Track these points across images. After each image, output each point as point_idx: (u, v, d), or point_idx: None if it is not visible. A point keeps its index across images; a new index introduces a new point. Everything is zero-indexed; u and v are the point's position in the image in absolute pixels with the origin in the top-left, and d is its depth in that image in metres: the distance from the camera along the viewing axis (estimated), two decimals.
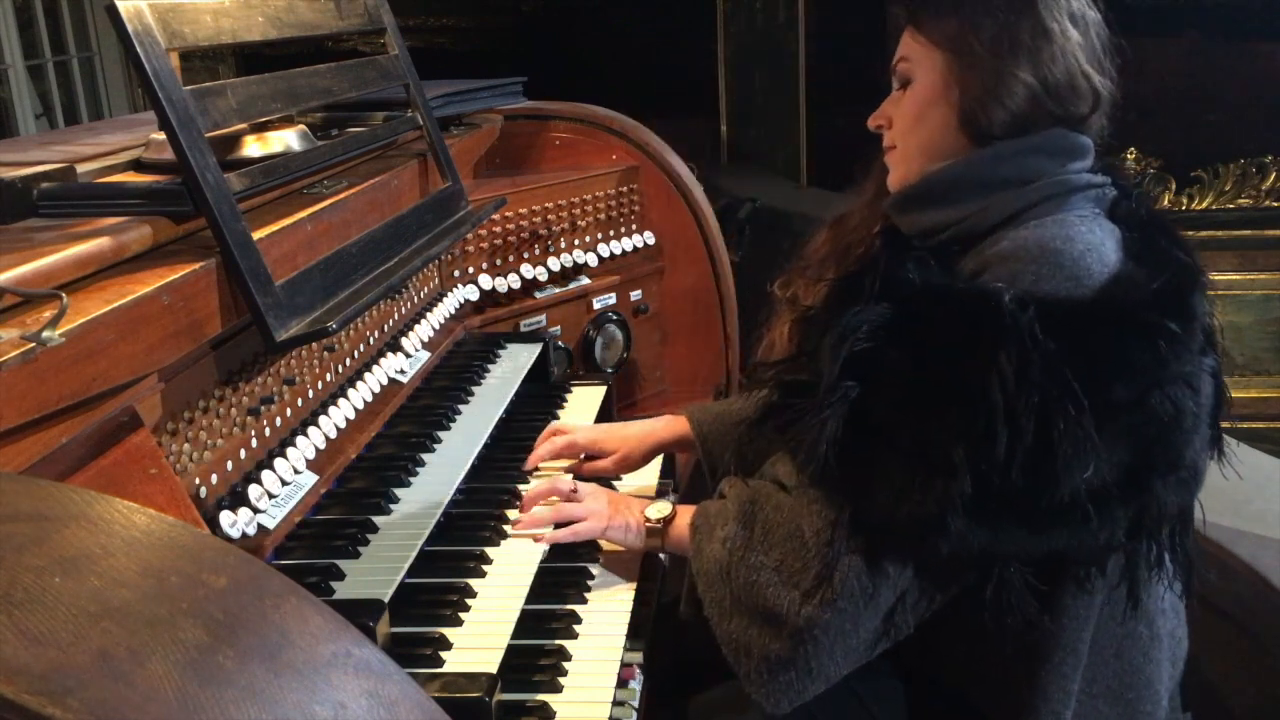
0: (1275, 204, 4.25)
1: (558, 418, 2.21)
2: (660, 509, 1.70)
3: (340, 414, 1.78)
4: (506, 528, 1.75)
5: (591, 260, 2.74)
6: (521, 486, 1.89)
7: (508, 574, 1.63)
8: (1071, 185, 1.46)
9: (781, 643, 1.39)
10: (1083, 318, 1.32)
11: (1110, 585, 1.44)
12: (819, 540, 1.38)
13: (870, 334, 1.36)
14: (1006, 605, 1.36)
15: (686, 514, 1.64)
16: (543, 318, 2.64)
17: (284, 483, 1.59)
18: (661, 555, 1.76)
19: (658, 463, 2.06)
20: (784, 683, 1.40)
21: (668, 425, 1.99)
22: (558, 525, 1.72)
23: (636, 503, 1.76)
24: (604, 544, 1.80)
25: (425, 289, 2.34)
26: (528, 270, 2.61)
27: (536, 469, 1.96)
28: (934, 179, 1.52)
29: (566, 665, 1.52)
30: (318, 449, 1.69)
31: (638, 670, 1.57)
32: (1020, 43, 1.46)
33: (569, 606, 1.66)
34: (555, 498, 1.77)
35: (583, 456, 1.99)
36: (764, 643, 1.40)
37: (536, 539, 1.72)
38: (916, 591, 1.39)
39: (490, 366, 2.26)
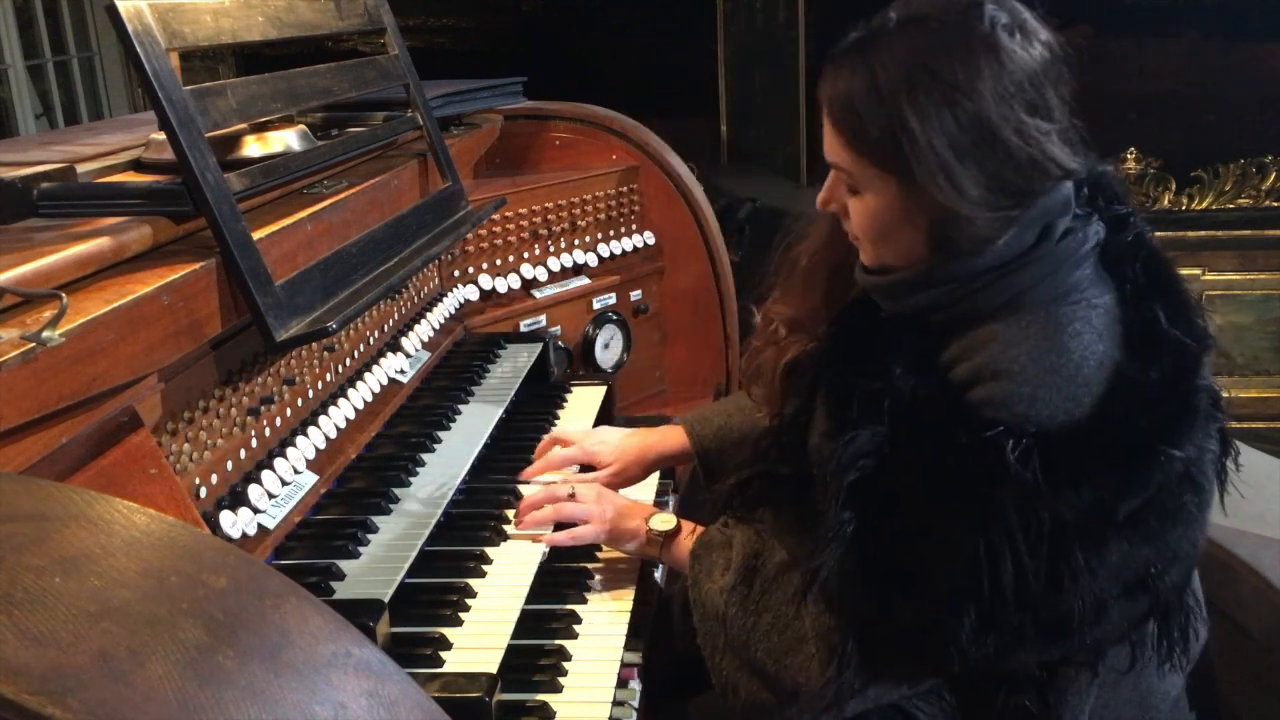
0: (1275, 204, 4.25)
1: (558, 418, 2.21)
2: (665, 521, 1.68)
3: (340, 414, 1.78)
4: (507, 528, 1.75)
5: (591, 260, 2.74)
6: (522, 487, 1.89)
7: (508, 574, 1.63)
8: (1058, 260, 1.34)
9: (769, 696, 1.41)
10: (1083, 449, 1.27)
11: (1120, 670, 1.42)
12: (824, 656, 1.36)
13: (867, 463, 1.32)
14: (1013, 702, 1.37)
15: (688, 536, 1.63)
16: (543, 318, 2.64)
17: (284, 483, 1.59)
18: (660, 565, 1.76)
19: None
20: None
21: (665, 437, 1.94)
22: (559, 526, 1.72)
23: (640, 510, 1.73)
24: (622, 553, 1.78)
25: (425, 289, 2.34)
26: (528, 270, 2.61)
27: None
28: (913, 276, 1.39)
29: (566, 665, 1.52)
30: (318, 449, 1.69)
31: (637, 670, 1.57)
32: (971, 159, 1.28)
33: (569, 606, 1.66)
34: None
35: (578, 469, 1.94)
36: (753, 691, 1.42)
37: (536, 539, 1.71)
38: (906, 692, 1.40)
39: (490, 366, 2.26)
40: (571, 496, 1.74)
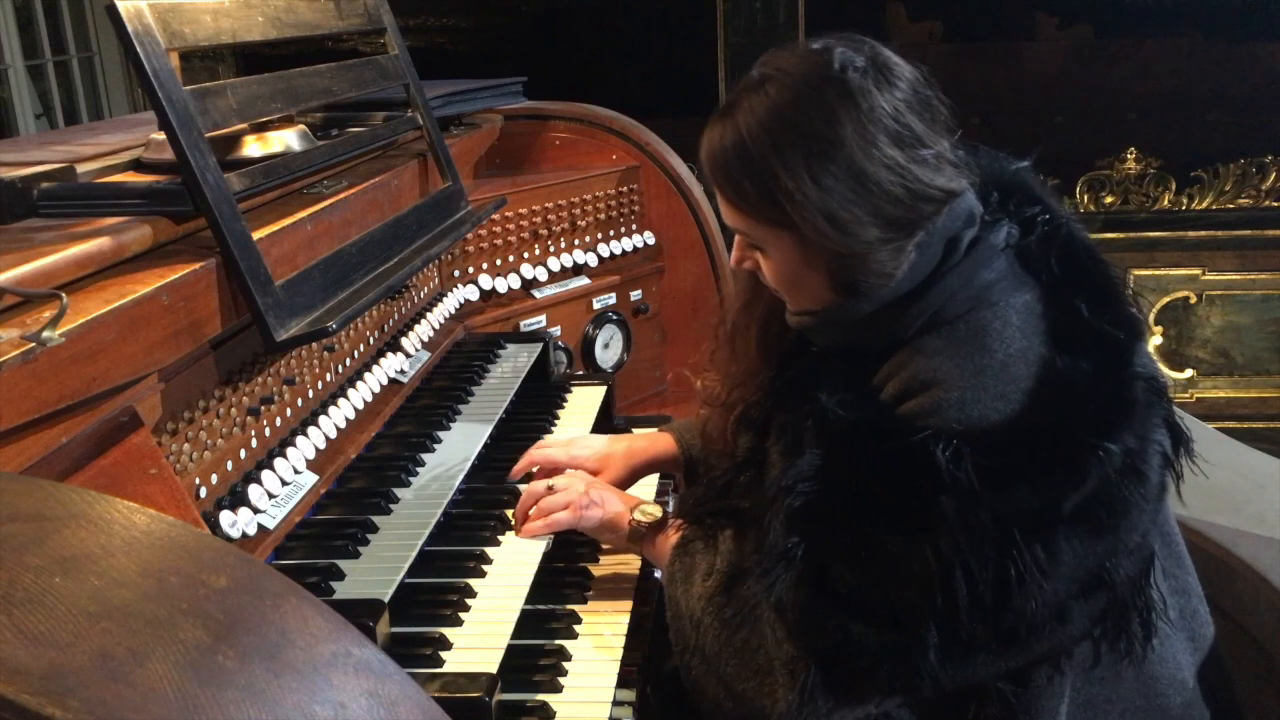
0: (1275, 204, 4.25)
1: (558, 418, 2.21)
2: (649, 511, 1.67)
3: (340, 414, 1.78)
4: (506, 528, 1.75)
5: (591, 260, 2.74)
6: (522, 487, 1.88)
7: (508, 574, 1.63)
8: (970, 270, 1.37)
9: (735, 705, 1.41)
10: (1017, 445, 1.28)
11: (1083, 665, 1.42)
12: (785, 688, 1.35)
13: (807, 489, 1.32)
14: (983, 709, 1.36)
15: (673, 533, 1.62)
16: (543, 318, 2.64)
17: (284, 483, 1.59)
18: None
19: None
20: None
21: (653, 443, 1.92)
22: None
23: (625, 498, 1.72)
24: (604, 544, 1.79)
25: (425, 289, 2.34)
26: (528, 270, 2.61)
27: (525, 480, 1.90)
28: (835, 315, 1.42)
29: (566, 665, 1.52)
30: (318, 449, 1.69)
31: (637, 671, 1.57)
32: (850, 207, 1.31)
33: (569, 606, 1.66)
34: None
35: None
36: (719, 697, 1.42)
37: (517, 533, 1.71)
38: (875, 714, 1.39)
39: (490, 366, 2.26)
40: (550, 490, 1.72)
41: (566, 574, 1.74)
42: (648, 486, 1.99)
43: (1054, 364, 1.32)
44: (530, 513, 1.72)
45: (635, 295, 2.84)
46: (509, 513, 1.79)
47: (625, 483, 1.89)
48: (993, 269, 1.38)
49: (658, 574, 1.80)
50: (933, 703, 1.38)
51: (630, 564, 1.77)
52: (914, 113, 1.34)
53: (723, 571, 1.49)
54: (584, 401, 2.29)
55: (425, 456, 1.85)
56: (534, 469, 1.89)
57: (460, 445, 1.91)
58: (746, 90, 1.37)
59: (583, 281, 2.73)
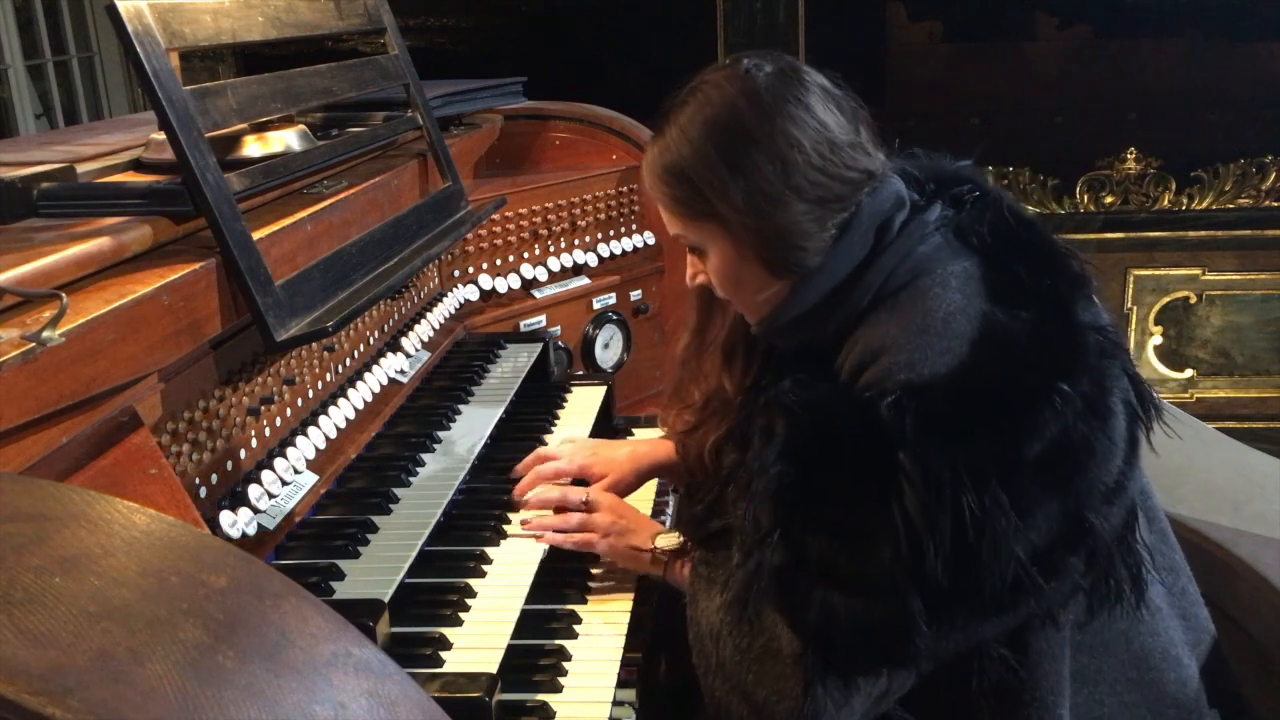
0: (1275, 204, 4.25)
1: (558, 418, 2.21)
2: (670, 541, 1.67)
3: (340, 414, 1.78)
4: (506, 528, 1.75)
5: (591, 260, 2.74)
6: (534, 493, 1.88)
7: (508, 574, 1.63)
8: (906, 247, 1.43)
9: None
10: (966, 392, 1.30)
11: (1079, 619, 1.43)
12: (792, 665, 1.35)
13: (777, 473, 1.34)
14: (985, 677, 1.37)
15: (692, 555, 1.62)
16: (543, 318, 2.64)
17: (284, 483, 1.59)
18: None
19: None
20: None
21: (656, 447, 1.93)
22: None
23: (649, 527, 1.72)
24: (622, 567, 1.76)
25: (425, 289, 2.34)
26: (528, 270, 2.61)
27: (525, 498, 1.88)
28: (781, 314, 1.49)
29: (566, 665, 1.52)
30: (318, 449, 1.69)
31: (637, 670, 1.57)
32: (771, 188, 1.40)
33: (569, 606, 1.66)
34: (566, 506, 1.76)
35: (569, 482, 1.91)
36: (743, 714, 1.40)
37: (538, 539, 1.71)
38: (888, 694, 1.38)
39: (490, 366, 2.26)
40: (586, 504, 1.73)
41: (566, 574, 1.74)
42: (647, 488, 1.99)
43: (995, 316, 1.36)
44: (556, 520, 1.73)
45: (635, 295, 2.84)
46: (509, 513, 1.79)
47: (632, 487, 1.90)
48: (927, 244, 1.44)
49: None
50: (935, 677, 1.38)
51: None
52: (822, 105, 1.44)
53: (740, 585, 1.47)
54: (584, 401, 2.29)
55: (425, 456, 1.85)
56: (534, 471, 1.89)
57: (460, 445, 1.92)
58: (673, 108, 1.48)
59: (583, 281, 2.73)
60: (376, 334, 2.05)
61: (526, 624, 1.55)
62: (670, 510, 2.02)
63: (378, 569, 1.51)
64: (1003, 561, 1.27)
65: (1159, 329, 4.37)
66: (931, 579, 1.26)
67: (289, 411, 1.69)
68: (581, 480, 1.89)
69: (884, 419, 1.27)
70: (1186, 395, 4.36)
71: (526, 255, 2.63)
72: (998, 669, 1.37)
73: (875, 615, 1.29)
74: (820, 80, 1.46)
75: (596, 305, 2.75)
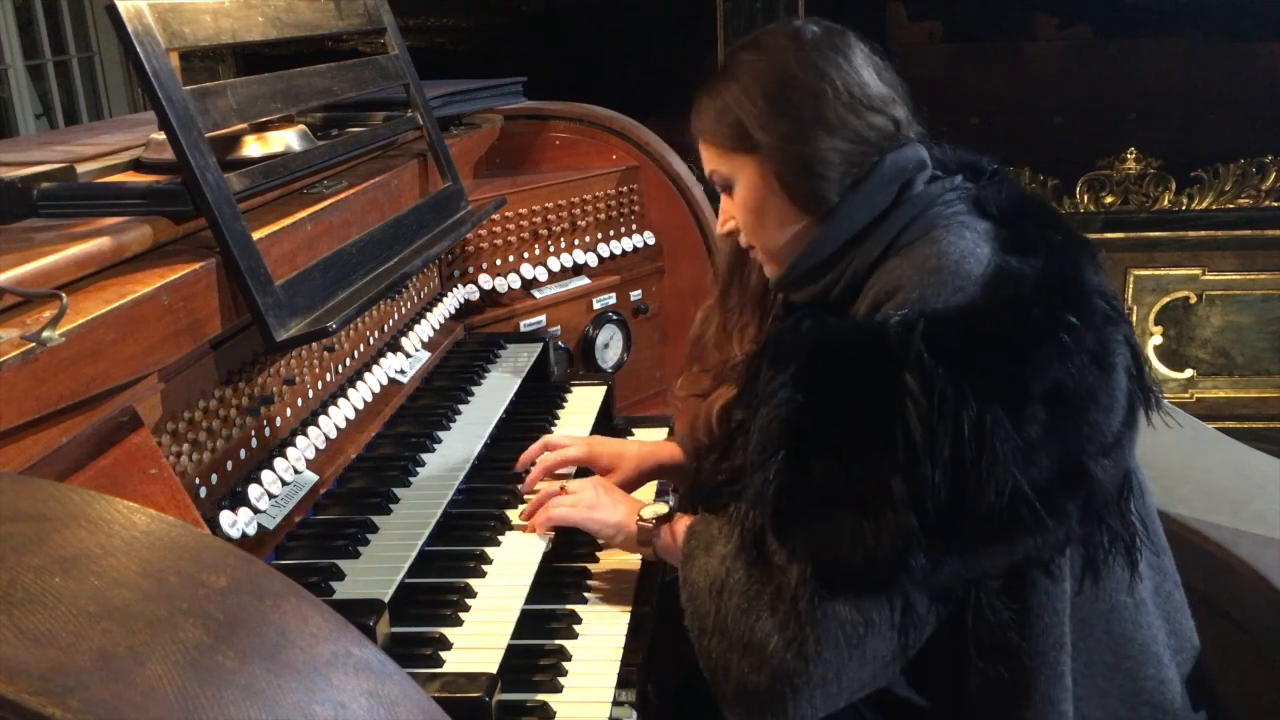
0: (1275, 204, 4.25)
1: (558, 418, 2.21)
2: (656, 509, 1.67)
3: (340, 414, 1.78)
4: (506, 528, 1.75)
5: (591, 260, 2.74)
6: (521, 487, 1.89)
7: (508, 574, 1.63)
8: (925, 201, 1.49)
9: (761, 677, 1.38)
10: (975, 325, 1.33)
11: (1075, 573, 1.44)
12: (794, 594, 1.36)
13: (784, 400, 1.36)
14: (984, 625, 1.37)
15: (683, 522, 1.61)
16: (543, 318, 2.64)
17: (284, 483, 1.59)
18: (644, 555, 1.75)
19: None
20: (757, 714, 1.39)
21: (659, 449, 1.95)
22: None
23: (631, 501, 1.73)
24: (612, 546, 1.77)
25: (425, 289, 2.34)
26: (528, 270, 2.61)
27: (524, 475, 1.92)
28: (801, 257, 1.56)
29: (566, 665, 1.52)
30: (318, 449, 1.69)
31: (637, 670, 1.57)
32: (801, 116, 1.50)
33: (569, 606, 1.66)
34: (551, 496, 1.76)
35: (574, 471, 1.94)
36: (743, 672, 1.39)
37: (525, 522, 1.74)
38: (902, 636, 1.38)
39: (490, 366, 2.26)
40: (563, 491, 1.75)
41: (566, 574, 1.74)
42: (646, 489, 1.99)
43: (1007, 262, 1.41)
44: (542, 518, 1.73)
45: (635, 295, 2.84)
46: (509, 513, 1.79)
47: (634, 484, 1.91)
48: (945, 203, 1.50)
49: (664, 563, 1.80)
50: (935, 639, 1.39)
51: (630, 564, 1.77)
52: (862, 61, 1.54)
53: (741, 532, 1.47)
54: (584, 401, 2.29)
55: (425, 456, 1.85)
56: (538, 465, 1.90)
57: (460, 445, 1.92)
58: (725, 60, 1.60)
59: (583, 281, 2.73)
60: (376, 334, 2.05)
61: (526, 624, 1.55)
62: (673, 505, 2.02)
63: (378, 569, 1.51)
64: (1000, 479, 1.28)
65: (1159, 329, 4.36)
66: (931, 496, 1.28)
67: (289, 411, 1.69)
68: (587, 471, 1.92)
69: (891, 335, 1.31)
70: (1186, 395, 4.35)
71: (526, 255, 2.63)
72: (996, 615, 1.37)
73: (873, 534, 1.30)
74: (865, 47, 1.56)
75: (596, 305, 2.75)
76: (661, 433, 2.29)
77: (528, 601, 1.58)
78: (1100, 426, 1.36)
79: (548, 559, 1.70)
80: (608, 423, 2.31)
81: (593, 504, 1.71)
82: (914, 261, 1.43)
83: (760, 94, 1.52)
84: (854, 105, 1.50)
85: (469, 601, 1.55)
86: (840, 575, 1.33)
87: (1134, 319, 4.35)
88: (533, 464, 1.93)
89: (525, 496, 1.86)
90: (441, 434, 1.94)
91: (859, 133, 1.51)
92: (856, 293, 1.49)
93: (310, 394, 1.76)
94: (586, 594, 1.70)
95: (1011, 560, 1.37)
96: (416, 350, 2.14)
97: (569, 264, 2.70)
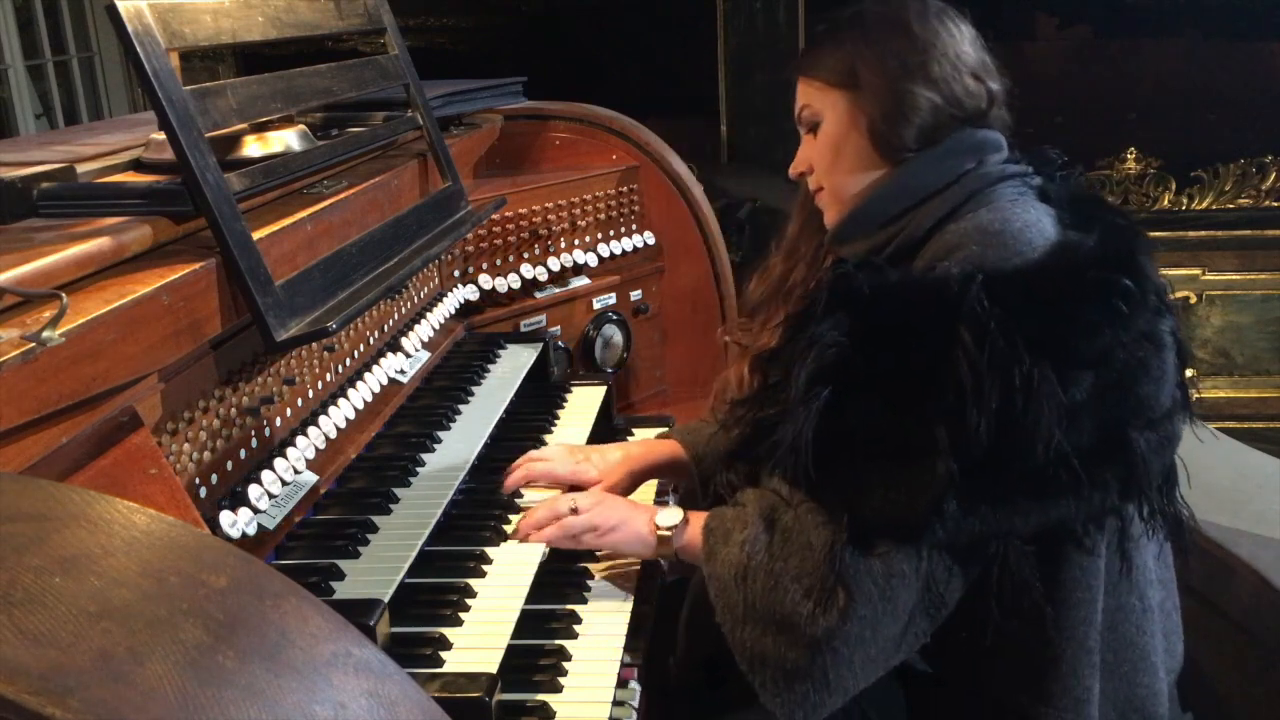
0: (1275, 204, 4.25)
1: (558, 418, 2.21)
2: (672, 516, 1.65)
3: (340, 414, 1.78)
4: (506, 528, 1.75)
5: (591, 260, 2.74)
6: (521, 499, 1.88)
7: (508, 574, 1.63)
8: (993, 177, 1.54)
9: (798, 652, 1.37)
10: (1033, 284, 1.36)
11: (1111, 549, 1.45)
12: (825, 548, 1.37)
13: (834, 342, 1.38)
14: (1012, 588, 1.37)
15: (697, 520, 1.61)
16: (543, 318, 2.64)
17: (284, 483, 1.59)
18: (662, 561, 1.74)
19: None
20: (800, 693, 1.38)
21: (651, 449, 1.93)
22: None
23: (645, 510, 1.71)
24: (631, 557, 1.75)
25: (425, 289, 2.34)
26: (528, 270, 2.61)
27: (519, 492, 1.87)
28: (864, 205, 1.60)
29: (566, 665, 1.52)
30: (318, 449, 1.69)
31: (637, 671, 1.57)
32: (910, 63, 1.56)
33: (569, 606, 1.66)
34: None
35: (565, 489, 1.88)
36: (780, 652, 1.39)
37: (534, 538, 1.70)
38: (930, 590, 1.38)
39: (490, 366, 2.26)
40: (574, 511, 1.69)
41: (566, 574, 1.74)
42: (646, 490, 1.99)
43: (1068, 236, 1.44)
44: (550, 534, 1.69)
45: (635, 295, 2.84)
46: (509, 513, 1.79)
47: (627, 490, 1.88)
48: (1010, 185, 1.54)
49: (659, 572, 1.81)
50: (963, 609, 1.39)
51: (630, 564, 1.77)
52: (971, 41, 1.63)
53: (757, 513, 1.48)
54: (584, 402, 2.29)
55: (425, 456, 1.85)
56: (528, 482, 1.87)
57: (460, 445, 1.91)
58: (852, 14, 1.66)
59: (583, 281, 2.73)
60: (376, 334, 2.05)
61: (526, 624, 1.55)
62: (672, 506, 2.01)
63: (378, 569, 1.51)
64: (1044, 436, 1.30)
65: None
66: (973, 444, 1.30)
67: (289, 411, 1.69)
68: (577, 488, 1.86)
69: (949, 285, 1.34)
70: None
71: (526, 255, 2.63)
72: (1024, 575, 1.38)
73: (910, 481, 1.32)
74: (973, 31, 1.65)
75: (596, 305, 2.74)
76: (655, 433, 2.29)
77: (528, 601, 1.58)
78: (1147, 400, 1.38)
79: (548, 559, 1.70)
80: (608, 423, 2.31)
81: (610, 526, 1.67)
82: (977, 223, 1.46)
83: (876, 38, 1.59)
84: (957, 68, 1.57)
85: (469, 601, 1.55)
86: (873, 524, 1.35)
87: None
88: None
89: (522, 506, 1.82)
90: (441, 434, 1.94)
91: (954, 94, 1.57)
92: (907, 256, 1.52)
93: (310, 394, 1.76)
94: (586, 594, 1.70)
95: (1044, 521, 1.37)
96: (416, 350, 2.14)
97: (569, 264, 2.70)
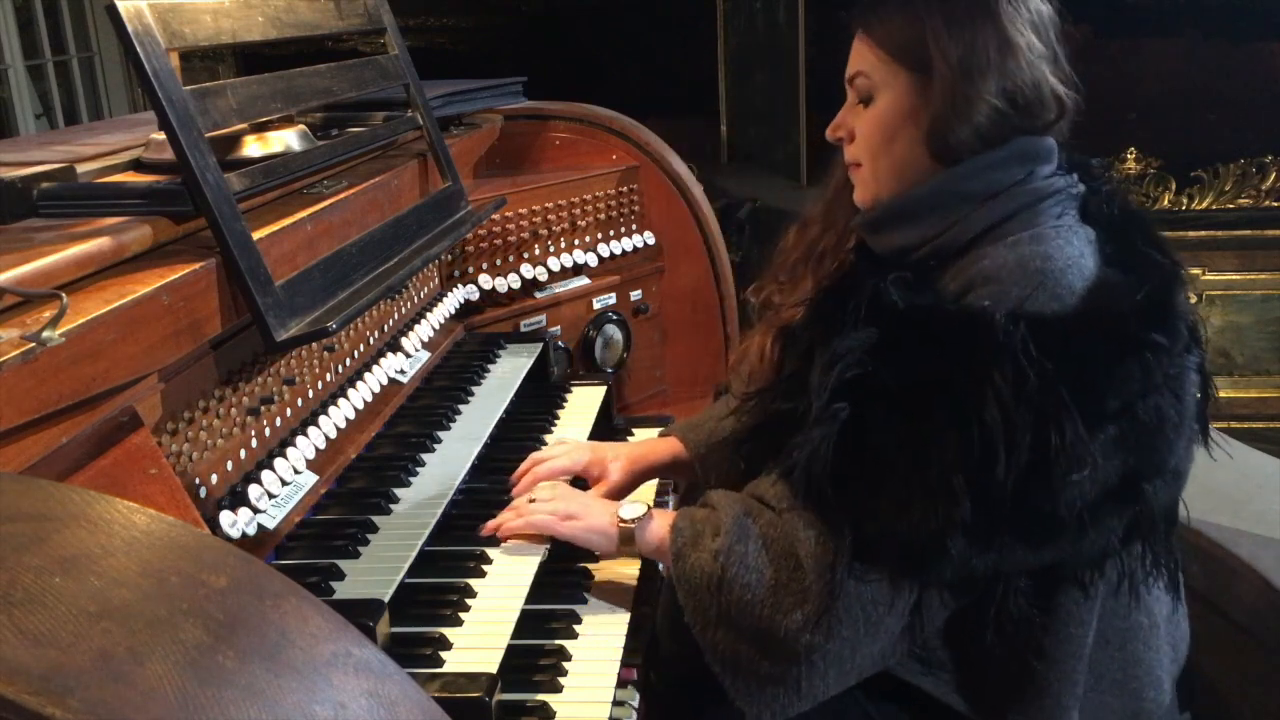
0: (1275, 204, 4.25)
1: (558, 418, 2.21)
2: (635, 509, 1.64)
3: (340, 414, 1.78)
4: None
5: (591, 260, 2.74)
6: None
7: (508, 574, 1.63)
8: (1041, 194, 1.46)
9: (772, 662, 1.38)
10: (1071, 333, 1.33)
11: (1110, 586, 1.44)
12: (817, 565, 1.36)
13: (859, 360, 1.36)
14: (1009, 619, 1.37)
15: (663, 517, 1.60)
16: (543, 318, 2.64)
17: (284, 483, 1.59)
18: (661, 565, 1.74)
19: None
20: (771, 697, 1.39)
21: (653, 448, 1.92)
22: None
23: (606, 504, 1.70)
24: (597, 552, 1.74)
25: (425, 289, 2.34)
26: (528, 270, 2.61)
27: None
28: (904, 201, 1.51)
29: (566, 665, 1.52)
30: (318, 449, 1.69)
31: (637, 671, 1.57)
32: (987, 61, 1.43)
33: (569, 606, 1.66)
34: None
35: (569, 481, 1.89)
36: (753, 659, 1.40)
37: (500, 537, 1.69)
38: (917, 616, 1.38)
39: (490, 366, 2.26)
40: (532, 501, 1.70)
41: (566, 574, 1.74)
42: (646, 490, 1.99)
43: (1108, 277, 1.39)
44: (516, 527, 1.69)
45: (635, 295, 2.84)
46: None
47: (626, 489, 1.88)
48: (1056, 201, 1.46)
49: (662, 566, 1.80)
50: (956, 628, 1.39)
51: (630, 564, 1.77)
52: (1056, 38, 1.51)
53: (731, 522, 1.46)
54: (584, 401, 2.29)
55: (425, 456, 1.85)
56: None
57: (460, 445, 1.91)
58: None
59: (583, 281, 2.73)
60: (376, 334, 2.05)
61: (526, 624, 1.55)
62: (670, 509, 2.01)
63: (378, 569, 1.51)
64: (1069, 492, 1.29)
65: None
66: (993, 490, 1.28)
67: (289, 411, 1.69)
68: (580, 482, 1.89)
69: (991, 325, 1.30)
70: None
71: (526, 255, 2.63)
72: (1020, 611, 1.37)
73: (921, 509, 1.30)
74: (1051, 9, 1.52)
75: (596, 305, 2.74)
76: (655, 432, 2.29)
77: (528, 601, 1.58)
78: (1160, 452, 1.36)
79: (548, 559, 1.70)
80: (608, 423, 2.31)
81: (569, 513, 1.66)
82: (1019, 256, 1.39)
83: (957, 18, 1.44)
84: (1037, 80, 1.45)
85: (469, 601, 1.55)
86: (876, 550, 1.34)
87: None
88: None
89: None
90: (441, 434, 1.94)
91: (1027, 103, 1.46)
92: (939, 261, 1.46)
93: (310, 394, 1.76)
94: (586, 594, 1.69)
95: (1042, 562, 1.37)
96: (416, 350, 2.14)
97: (569, 264, 2.70)
